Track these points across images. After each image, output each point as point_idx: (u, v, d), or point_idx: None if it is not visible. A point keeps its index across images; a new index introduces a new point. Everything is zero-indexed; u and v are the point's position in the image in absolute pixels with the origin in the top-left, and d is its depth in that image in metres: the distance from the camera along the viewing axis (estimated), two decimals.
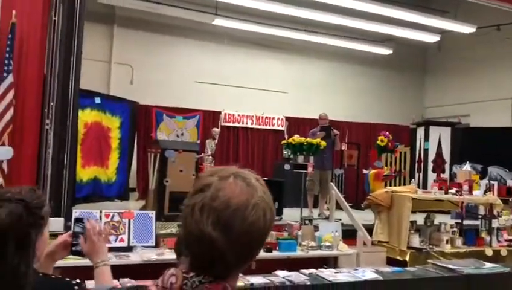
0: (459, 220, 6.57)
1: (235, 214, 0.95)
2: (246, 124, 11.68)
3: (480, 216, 6.85)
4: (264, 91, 12.26)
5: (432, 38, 11.44)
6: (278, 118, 11.96)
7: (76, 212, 4.54)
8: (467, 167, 7.91)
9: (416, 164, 10.09)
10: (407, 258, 5.62)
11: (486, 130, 10.48)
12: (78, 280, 1.51)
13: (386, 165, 9.51)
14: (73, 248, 1.65)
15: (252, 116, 11.73)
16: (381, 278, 3.42)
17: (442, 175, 9.37)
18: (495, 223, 6.46)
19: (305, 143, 6.97)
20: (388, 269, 3.82)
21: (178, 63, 11.67)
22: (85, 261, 1.72)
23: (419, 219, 6.35)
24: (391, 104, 13.47)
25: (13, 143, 5.03)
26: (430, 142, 9.83)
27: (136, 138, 10.20)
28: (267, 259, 4.48)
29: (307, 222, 5.79)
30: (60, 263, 1.76)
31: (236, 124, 11.61)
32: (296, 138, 7.23)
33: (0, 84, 5.09)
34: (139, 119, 10.34)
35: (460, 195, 6.19)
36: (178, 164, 6.60)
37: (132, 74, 11.30)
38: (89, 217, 1.72)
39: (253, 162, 11.53)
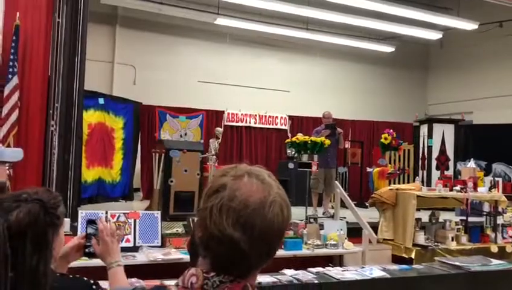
0: (464, 217, 6.56)
1: (255, 213, 0.95)
2: (249, 123, 11.68)
3: (485, 213, 6.84)
4: (266, 90, 12.26)
5: (435, 36, 11.41)
6: (281, 117, 11.95)
7: (82, 213, 4.55)
8: (471, 163, 7.89)
9: (420, 162, 10.09)
10: (412, 256, 5.62)
11: (490, 126, 10.46)
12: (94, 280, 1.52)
13: (390, 163, 9.49)
14: (86, 250, 1.66)
15: (255, 115, 11.73)
16: (388, 276, 3.43)
17: (446, 172, 9.36)
18: (500, 220, 6.46)
19: (309, 142, 6.96)
20: (395, 266, 3.83)
21: (180, 62, 11.68)
22: (95, 262, 1.73)
23: (424, 216, 6.35)
24: (394, 102, 13.46)
25: (18, 145, 5.04)
26: (434, 140, 9.83)
27: (139, 138, 10.22)
28: (273, 258, 4.48)
29: (312, 220, 5.79)
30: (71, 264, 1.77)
31: (240, 123, 11.60)
32: (301, 137, 7.22)
33: (5, 86, 5.11)
34: (143, 120, 10.36)
35: (465, 192, 6.18)
36: (182, 163, 6.61)
37: (135, 74, 11.31)
38: (100, 218, 1.73)
39: (256, 161, 11.52)
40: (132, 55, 11.22)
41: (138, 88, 11.00)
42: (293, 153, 9.46)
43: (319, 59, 12.94)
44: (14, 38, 5.15)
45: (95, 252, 1.66)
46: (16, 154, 2.73)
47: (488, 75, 12.09)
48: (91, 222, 1.69)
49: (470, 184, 6.31)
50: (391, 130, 8.25)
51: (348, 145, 9.60)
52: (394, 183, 8.57)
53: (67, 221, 4.80)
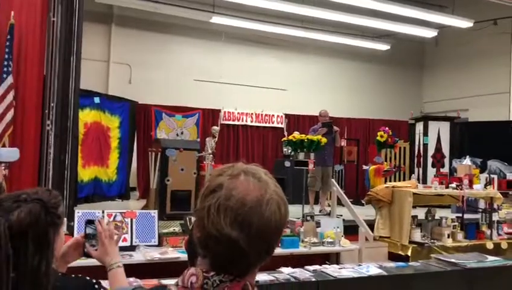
0: (460, 214, 6.59)
1: (252, 211, 0.95)
2: (246, 121, 11.68)
3: (480, 210, 6.88)
4: (263, 88, 12.26)
5: (430, 34, 11.44)
6: (278, 116, 11.96)
7: (78, 212, 4.54)
8: (467, 161, 7.93)
9: (416, 159, 10.13)
10: (409, 253, 5.64)
11: (485, 124, 10.51)
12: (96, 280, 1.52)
13: (386, 161, 9.53)
14: (86, 250, 1.66)
15: (252, 113, 11.73)
16: (385, 273, 3.44)
17: (441, 170, 9.41)
18: (495, 217, 6.49)
19: (306, 140, 6.97)
20: (392, 264, 3.84)
21: (176, 61, 11.66)
22: (96, 261, 1.73)
23: (420, 213, 6.37)
24: (390, 100, 13.50)
25: (14, 144, 5.03)
26: (430, 137, 9.87)
27: (135, 137, 10.20)
28: (271, 256, 4.49)
29: (308, 218, 5.80)
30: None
31: (236, 122, 11.60)
32: (297, 135, 7.23)
33: (0, 85, 5.09)
34: (138, 119, 10.34)
35: (461, 189, 6.21)
36: (179, 162, 6.61)
37: (130, 73, 11.29)
38: (99, 219, 1.73)
39: (253, 159, 11.51)
40: (128, 54, 11.19)
41: (134, 87, 10.98)
42: (289, 151, 9.47)
43: (315, 57, 12.95)
44: (8, 37, 5.13)
45: (93, 255, 1.66)
46: (12, 154, 2.71)
47: (483, 72, 12.14)
48: (90, 222, 1.69)
49: (466, 181, 6.34)
50: (387, 128, 8.28)
51: (344, 143, 9.61)
52: (390, 181, 8.59)
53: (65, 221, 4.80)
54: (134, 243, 4.46)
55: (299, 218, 6.10)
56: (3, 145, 4.98)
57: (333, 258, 5.13)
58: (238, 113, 11.59)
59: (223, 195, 0.96)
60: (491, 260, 3.93)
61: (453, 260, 3.77)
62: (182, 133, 10.69)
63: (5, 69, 5.11)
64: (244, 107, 11.62)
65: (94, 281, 1.51)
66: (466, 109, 12.07)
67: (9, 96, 5.14)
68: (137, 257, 4.22)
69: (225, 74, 11.90)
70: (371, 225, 6.07)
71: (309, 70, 12.95)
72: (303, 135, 7.16)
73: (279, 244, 4.82)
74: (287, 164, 8.21)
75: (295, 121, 11.96)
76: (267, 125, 11.87)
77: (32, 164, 5.27)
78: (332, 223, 5.45)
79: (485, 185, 6.71)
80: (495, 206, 6.46)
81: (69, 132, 5.50)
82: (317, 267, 3.48)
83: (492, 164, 9.69)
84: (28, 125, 5.31)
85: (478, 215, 6.80)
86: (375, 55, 13.01)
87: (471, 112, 12.12)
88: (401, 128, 11.60)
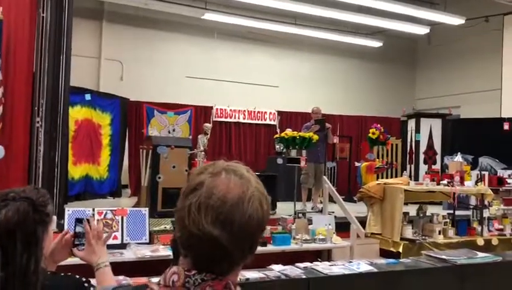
0: (451, 211, 6.61)
1: (233, 209, 0.94)
2: (238, 118, 11.66)
3: (471, 206, 6.91)
4: (255, 85, 12.25)
5: (422, 30, 11.48)
6: (270, 113, 11.95)
7: (69, 210, 4.50)
8: (458, 157, 7.95)
9: (408, 156, 10.15)
10: (400, 250, 5.65)
11: (477, 121, 10.55)
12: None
13: (378, 158, 9.54)
14: (74, 249, 1.65)
15: (244, 110, 11.71)
16: (375, 270, 3.45)
17: (433, 166, 9.43)
18: (486, 213, 6.52)
19: (298, 137, 6.98)
20: (382, 260, 3.85)
21: (168, 58, 11.61)
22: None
23: (412, 210, 6.38)
24: (382, 97, 13.53)
25: (3, 142, 4.98)
26: (421, 134, 9.89)
27: (127, 134, 10.15)
28: (262, 253, 4.48)
29: (300, 215, 5.80)
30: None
31: (228, 119, 11.59)
32: (289, 132, 7.23)
33: None
34: (130, 116, 10.29)
35: (452, 186, 6.22)
36: (170, 160, 6.58)
37: (122, 69, 11.22)
38: (88, 217, 1.72)
39: (245, 156, 11.52)
40: (119, 50, 11.12)
41: (125, 84, 10.92)
42: (281, 148, 9.47)
43: (307, 54, 12.95)
44: None
45: (79, 255, 1.65)
46: None
47: (475, 69, 12.21)
48: (79, 221, 1.68)
49: (457, 178, 6.36)
50: (378, 125, 8.28)
51: (336, 140, 9.62)
52: (382, 178, 8.61)
53: (53, 219, 4.76)
54: (125, 241, 4.43)
55: (290, 215, 6.10)
56: None
57: (325, 255, 5.13)
58: (230, 110, 11.57)
59: (204, 193, 0.95)
60: (481, 256, 3.95)
61: (443, 257, 3.78)
62: (173, 130, 10.66)
63: None
64: (237, 104, 11.60)
65: (84, 279, 1.50)
66: (458, 106, 12.14)
67: None
68: (128, 255, 4.19)
69: (217, 71, 11.86)
70: (363, 221, 6.08)
71: (302, 68, 12.95)
72: (295, 132, 7.16)
73: (271, 242, 4.83)
74: (279, 161, 8.20)
75: (288, 118, 11.96)
76: (260, 122, 11.87)
77: (21, 162, 5.22)
78: (324, 220, 5.45)
79: (476, 182, 6.74)
80: (486, 202, 6.49)
81: (59, 129, 5.45)
82: (307, 264, 3.48)
83: (484, 160, 9.74)
84: (17, 122, 5.25)
85: (469, 212, 6.82)
86: (368, 52, 13.03)
87: (463, 108, 12.18)
88: (393, 125, 11.62)
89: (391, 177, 9.61)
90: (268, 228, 5.02)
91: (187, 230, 0.95)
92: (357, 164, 8.68)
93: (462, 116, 11.87)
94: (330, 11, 10.11)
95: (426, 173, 7.13)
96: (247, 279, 3.10)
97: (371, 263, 3.57)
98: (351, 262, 3.63)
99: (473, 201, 7.16)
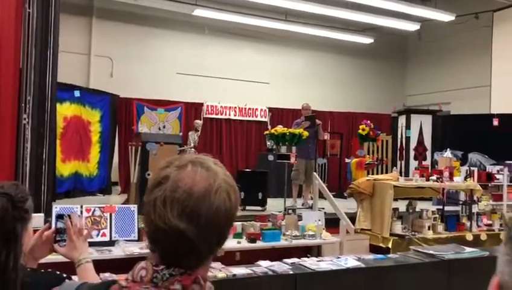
0: (441, 207, 6.65)
1: (200, 202, 0.93)
2: (229, 115, 11.63)
3: (460, 202, 6.95)
4: (246, 82, 12.22)
5: (412, 27, 11.51)
6: (261, 109, 11.93)
7: (56, 207, 4.47)
8: (448, 153, 8.00)
9: (398, 152, 10.19)
10: (390, 245, 5.67)
11: (466, 117, 10.61)
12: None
13: (369, 154, 9.57)
14: (55, 245, 1.63)
15: (235, 107, 11.68)
16: (363, 265, 3.45)
17: (423, 162, 9.47)
18: (475, 209, 6.56)
19: (288, 133, 6.97)
20: (370, 256, 3.86)
21: (158, 54, 11.55)
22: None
23: (401, 206, 6.41)
24: (373, 93, 13.55)
25: None
26: (412, 130, 9.92)
27: (117, 131, 10.09)
28: (252, 250, 4.48)
29: (290, 211, 5.80)
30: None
31: (219, 116, 11.55)
32: (279, 129, 7.23)
33: None
34: (120, 112, 10.23)
35: (441, 182, 6.25)
36: (160, 156, 6.54)
37: (112, 66, 11.14)
38: (70, 213, 1.70)
39: (236, 153, 11.50)
40: (109, 47, 11.04)
41: (115, 80, 10.85)
42: (272, 145, 9.46)
43: (298, 50, 12.94)
44: None
45: (60, 252, 1.63)
46: None
47: (465, 66, 12.27)
48: (60, 217, 1.66)
49: (446, 174, 6.39)
50: (368, 121, 8.31)
51: (327, 136, 9.63)
52: (372, 174, 8.63)
53: (40, 216, 4.72)
54: (113, 238, 4.41)
55: (281, 211, 6.11)
56: None
57: (314, 251, 5.14)
58: (221, 106, 11.54)
59: (169, 187, 0.93)
60: (469, 251, 3.98)
61: (431, 252, 3.80)
62: (164, 127, 10.61)
63: None
64: (228, 101, 11.57)
65: (65, 275, 1.47)
66: (448, 102, 12.19)
67: None
68: (117, 252, 4.17)
69: (208, 68, 11.81)
70: (352, 217, 6.10)
71: (292, 64, 12.94)
72: (285, 129, 7.16)
73: (261, 238, 4.83)
74: (270, 157, 8.21)
75: (279, 115, 11.95)
76: (251, 119, 11.84)
77: (8, 159, 5.17)
78: (314, 216, 5.46)
79: (465, 178, 6.78)
80: (475, 198, 6.53)
81: (46, 125, 5.40)
82: (295, 260, 3.48)
83: (473, 156, 9.80)
84: (3, 119, 5.20)
85: (458, 208, 6.86)
86: (359, 48, 13.04)
87: (453, 105, 12.24)
88: (384, 122, 11.66)
89: (382, 173, 9.64)
90: (258, 224, 5.03)
91: (153, 224, 0.93)
92: (347, 160, 8.71)
93: (453, 112, 11.93)
94: (321, 8, 10.10)
95: (416, 168, 7.16)
96: (234, 275, 3.09)
97: (358, 258, 3.57)
98: (339, 258, 3.63)
99: (462, 197, 7.21)
